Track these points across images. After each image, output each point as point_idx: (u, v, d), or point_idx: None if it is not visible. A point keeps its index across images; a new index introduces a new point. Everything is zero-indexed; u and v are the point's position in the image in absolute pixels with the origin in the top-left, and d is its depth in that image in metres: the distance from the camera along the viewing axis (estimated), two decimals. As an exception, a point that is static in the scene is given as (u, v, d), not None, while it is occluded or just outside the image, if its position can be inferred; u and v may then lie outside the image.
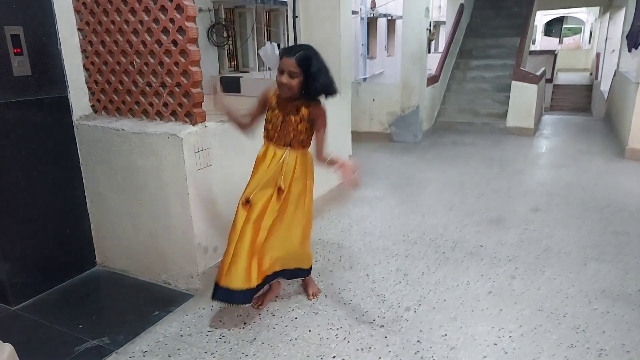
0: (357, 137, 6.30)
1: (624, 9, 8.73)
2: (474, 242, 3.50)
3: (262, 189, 2.37)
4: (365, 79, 13.66)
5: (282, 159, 2.36)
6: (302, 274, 2.64)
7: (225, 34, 9.37)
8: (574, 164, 5.67)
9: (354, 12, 12.81)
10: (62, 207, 2.92)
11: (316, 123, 2.34)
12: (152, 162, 2.70)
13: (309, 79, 2.22)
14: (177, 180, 2.64)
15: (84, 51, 2.88)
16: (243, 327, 2.48)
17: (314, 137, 2.40)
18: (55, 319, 2.56)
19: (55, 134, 2.82)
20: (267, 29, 11.84)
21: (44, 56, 2.69)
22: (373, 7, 14.48)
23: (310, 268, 2.67)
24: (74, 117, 2.90)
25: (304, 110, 2.31)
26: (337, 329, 2.45)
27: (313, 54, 2.24)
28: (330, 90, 2.29)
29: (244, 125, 2.53)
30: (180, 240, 2.77)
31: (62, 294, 2.84)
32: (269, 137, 2.41)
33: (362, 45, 14.46)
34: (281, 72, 2.23)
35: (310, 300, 2.72)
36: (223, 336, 2.41)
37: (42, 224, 2.80)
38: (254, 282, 2.38)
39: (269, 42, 10.29)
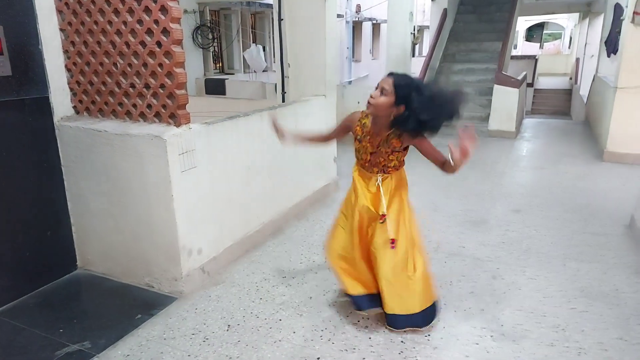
0: (342, 139, 6.32)
1: (602, 15, 8.95)
2: (457, 242, 3.54)
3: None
4: (350, 82, 13.73)
5: (377, 184, 2.29)
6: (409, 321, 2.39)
7: (210, 36, 9.33)
8: (554, 166, 5.78)
9: (339, 16, 12.89)
10: (43, 210, 2.87)
11: (418, 147, 2.20)
12: (135, 164, 2.68)
13: (406, 112, 2.06)
14: (161, 182, 2.62)
15: (66, 51, 2.85)
16: (227, 330, 2.47)
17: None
18: (35, 323, 2.52)
19: (36, 135, 2.78)
20: (252, 32, 11.84)
21: (25, 56, 2.65)
22: (358, 11, 14.58)
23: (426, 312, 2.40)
24: (55, 118, 2.87)
25: (395, 142, 2.19)
26: (322, 330, 2.46)
27: (416, 86, 2.06)
28: (430, 128, 2.12)
29: (320, 141, 2.53)
30: (164, 242, 2.75)
31: (42, 298, 2.80)
32: (360, 164, 2.36)
33: (348, 48, 14.54)
34: (376, 88, 2.12)
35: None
36: (207, 339, 2.40)
37: (22, 226, 2.75)
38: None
39: (254, 44, 10.29)
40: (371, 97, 2.11)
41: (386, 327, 2.43)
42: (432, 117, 2.07)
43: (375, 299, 2.43)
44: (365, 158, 2.30)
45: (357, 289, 2.45)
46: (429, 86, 2.13)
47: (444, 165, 2.18)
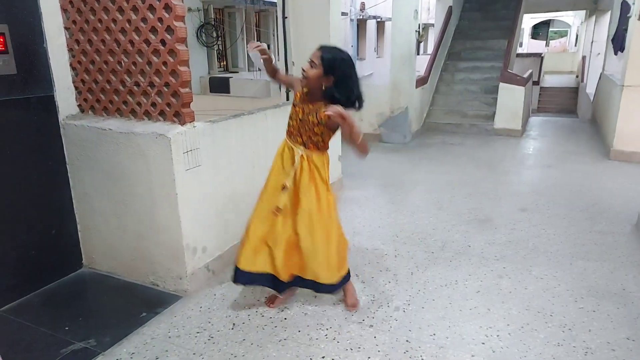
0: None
1: (609, 13, 8.87)
2: (463, 241, 3.52)
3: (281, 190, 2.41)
4: (354, 80, 13.63)
5: (296, 160, 2.37)
6: (319, 288, 2.48)
7: (214, 34, 9.33)
8: (561, 164, 5.74)
9: (343, 14, 12.83)
10: (48, 208, 2.88)
11: (339, 127, 2.27)
12: (140, 163, 2.68)
13: (334, 84, 2.22)
14: (165, 180, 2.62)
15: (70, 50, 2.85)
16: (232, 328, 2.47)
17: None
18: (40, 321, 2.53)
19: (41, 133, 2.79)
20: (256, 30, 11.82)
21: (30, 55, 2.66)
22: (363, 9, 14.52)
23: (336, 285, 2.49)
24: (60, 117, 2.87)
25: (322, 115, 2.27)
26: (327, 329, 2.45)
27: (342, 59, 2.23)
28: (354, 101, 2.28)
29: (276, 77, 2.60)
30: (168, 241, 2.74)
31: (48, 296, 2.80)
32: (288, 132, 2.44)
33: (352, 46, 14.46)
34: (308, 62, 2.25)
35: (350, 311, 2.59)
36: (212, 337, 2.39)
37: (27, 225, 2.76)
38: (263, 268, 2.44)
39: (258, 42, 10.29)
40: (303, 70, 2.25)
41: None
42: (355, 86, 2.27)
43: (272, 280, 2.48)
44: (294, 125, 2.39)
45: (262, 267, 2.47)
46: (353, 62, 2.27)
47: (352, 142, 2.25)
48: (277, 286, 2.50)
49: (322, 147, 2.41)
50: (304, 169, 2.37)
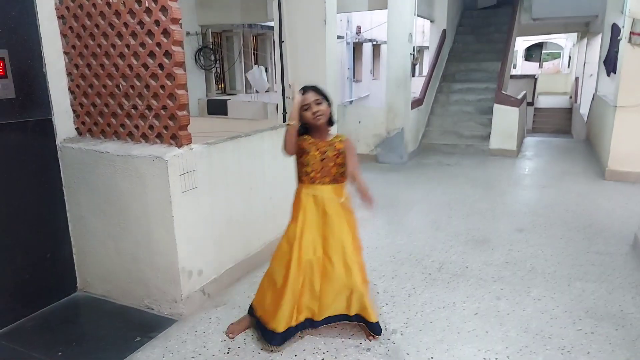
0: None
1: (600, 35, 9.05)
2: (460, 262, 3.51)
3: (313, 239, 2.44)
4: (351, 102, 13.83)
5: (324, 200, 2.42)
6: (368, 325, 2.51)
7: (212, 58, 9.45)
8: (556, 185, 5.77)
9: (339, 37, 13.06)
10: (43, 231, 2.87)
11: (350, 152, 2.39)
12: (137, 185, 2.68)
13: (329, 107, 2.40)
14: (162, 203, 2.62)
15: (69, 74, 2.88)
16: (227, 353, 2.43)
17: None
18: (33, 347, 2.49)
19: (38, 156, 2.79)
20: (254, 53, 11.99)
21: (29, 79, 2.69)
22: (359, 32, 14.79)
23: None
24: (58, 140, 2.88)
25: (338, 144, 2.40)
26: (324, 352, 2.42)
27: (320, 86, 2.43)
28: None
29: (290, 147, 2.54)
30: (163, 264, 2.73)
31: (41, 320, 2.77)
32: (310, 180, 2.43)
33: (348, 69, 14.70)
34: (307, 107, 2.34)
35: (369, 341, 2.52)
36: (207, 362, 2.36)
37: (22, 248, 2.74)
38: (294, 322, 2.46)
39: (256, 65, 10.41)
40: (316, 112, 2.33)
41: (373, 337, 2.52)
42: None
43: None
44: (316, 169, 2.40)
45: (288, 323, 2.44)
46: None
47: (349, 175, 2.33)
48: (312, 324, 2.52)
49: (345, 176, 2.45)
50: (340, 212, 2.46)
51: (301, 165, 2.45)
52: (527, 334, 2.56)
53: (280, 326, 2.39)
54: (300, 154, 2.43)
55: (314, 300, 2.44)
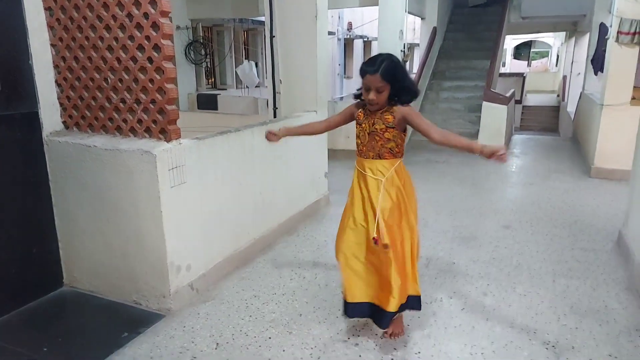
0: (334, 154, 6.34)
1: (587, 34, 9.15)
2: (447, 259, 3.54)
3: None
4: (342, 98, 13.81)
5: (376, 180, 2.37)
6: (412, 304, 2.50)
7: (203, 52, 9.38)
8: (543, 182, 5.84)
9: (330, 33, 13.03)
10: (29, 226, 2.83)
11: (411, 122, 2.29)
12: (125, 180, 2.66)
13: (397, 88, 2.22)
14: (150, 197, 2.61)
15: (56, 67, 2.84)
16: (215, 348, 2.43)
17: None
18: (19, 342, 2.46)
19: (24, 150, 2.76)
20: (245, 48, 11.93)
21: (15, 71, 2.64)
22: (350, 28, 14.77)
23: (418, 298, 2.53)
24: (44, 133, 2.85)
25: (388, 117, 2.28)
26: (312, 348, 2.43)
27: (395, 63, 2.22)
28: (415, 93, 2.31)
29: (314, 132, 2.63)
30: (152, 259, 2.71)
31: (26, 316, 2.74)
32: (359, 152, 2.42)
33: (339, 65, 14.70)
34: (367, 89, 2.23)
35: (389, 338, 2.50)
36: (195, 357, 2.36)
37: (7, 242, 2.70)
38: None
39: (246, 60, 10.36)
40: (373, 100, 2.22)
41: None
42: (413, 85, 2.32)
43: (368, 309, 2.45)
44: (363, 142, 2.36)
45: (359, 297, 2.44)
46: (399, 63, 2.27)
47: (432, 134, 2.28)
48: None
49: (397, 152, 2.38)
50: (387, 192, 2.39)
51: (356, 137, 2.42)
52: (512, 329, 2.60)
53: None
54: (356, 125, 2.40)
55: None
